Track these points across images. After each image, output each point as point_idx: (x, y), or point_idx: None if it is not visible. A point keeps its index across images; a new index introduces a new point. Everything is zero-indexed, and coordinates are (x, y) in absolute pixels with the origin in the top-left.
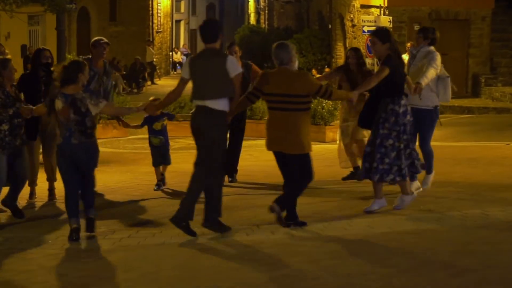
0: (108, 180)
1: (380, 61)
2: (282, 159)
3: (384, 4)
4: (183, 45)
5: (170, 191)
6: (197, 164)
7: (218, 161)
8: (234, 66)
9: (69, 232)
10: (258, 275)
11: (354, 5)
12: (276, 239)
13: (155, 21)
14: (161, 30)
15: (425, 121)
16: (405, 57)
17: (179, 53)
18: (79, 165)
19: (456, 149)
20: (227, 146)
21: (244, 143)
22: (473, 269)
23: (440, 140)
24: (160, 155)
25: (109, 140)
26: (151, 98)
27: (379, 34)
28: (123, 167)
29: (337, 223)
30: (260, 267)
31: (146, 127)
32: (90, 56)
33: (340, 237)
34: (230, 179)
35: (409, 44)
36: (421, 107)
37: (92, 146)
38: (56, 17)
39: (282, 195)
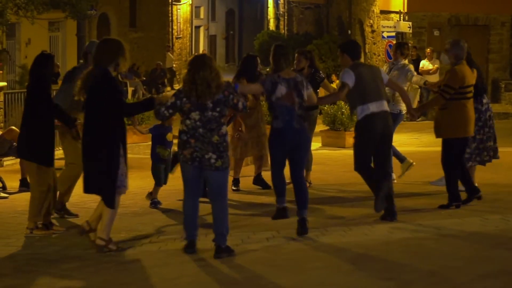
0: (129, 185)
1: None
2: (465, 143)
3: (403, 9)
4: (202, 51)
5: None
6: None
7: None
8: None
9: (276, 211)
10: (278, 281)
11: (373, 10)
12: (296, 245)
13: (174, 27)
14: (181, 36)
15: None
16: (425, 63)
17: None
18: (295, 150)
19: None
20: None
21: None
22: (494, 275)
23: None
24: (164, 171)
25: (129, 146)
26: None
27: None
28: (143, 172)
29: (358, 229)
30: (279, 272)
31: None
32: None
33: (360, 243)
34: None
35: (428, 49)
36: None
37: (306, 131)
38: (76, 23)
39: (467, 180)
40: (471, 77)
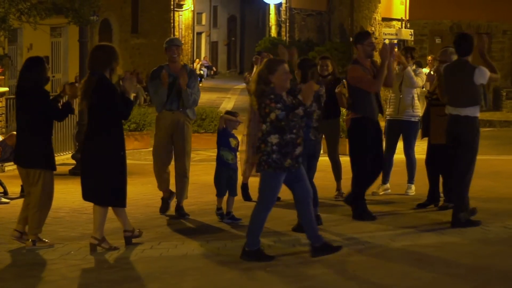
0: (129, 192)
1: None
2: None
3: (405, 17)
4: (204, 57)
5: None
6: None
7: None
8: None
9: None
10: (281, 287)
11: (375, 18)
12: (298, 251)
13: (176, 33)
14: (183, 42)
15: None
16: (427, 71)
17: (198, 65)
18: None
19: (478, 163)
20: None
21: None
22: (494, 283)
23: None
24: (230, 180)
25: (130, 152)
26: None
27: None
28: (144, 178)
29: (360, 236)
30: (283, 278)
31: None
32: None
33: (362, 250)
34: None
35: (430, 57)
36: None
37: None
38: (79, 29)
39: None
40: None
